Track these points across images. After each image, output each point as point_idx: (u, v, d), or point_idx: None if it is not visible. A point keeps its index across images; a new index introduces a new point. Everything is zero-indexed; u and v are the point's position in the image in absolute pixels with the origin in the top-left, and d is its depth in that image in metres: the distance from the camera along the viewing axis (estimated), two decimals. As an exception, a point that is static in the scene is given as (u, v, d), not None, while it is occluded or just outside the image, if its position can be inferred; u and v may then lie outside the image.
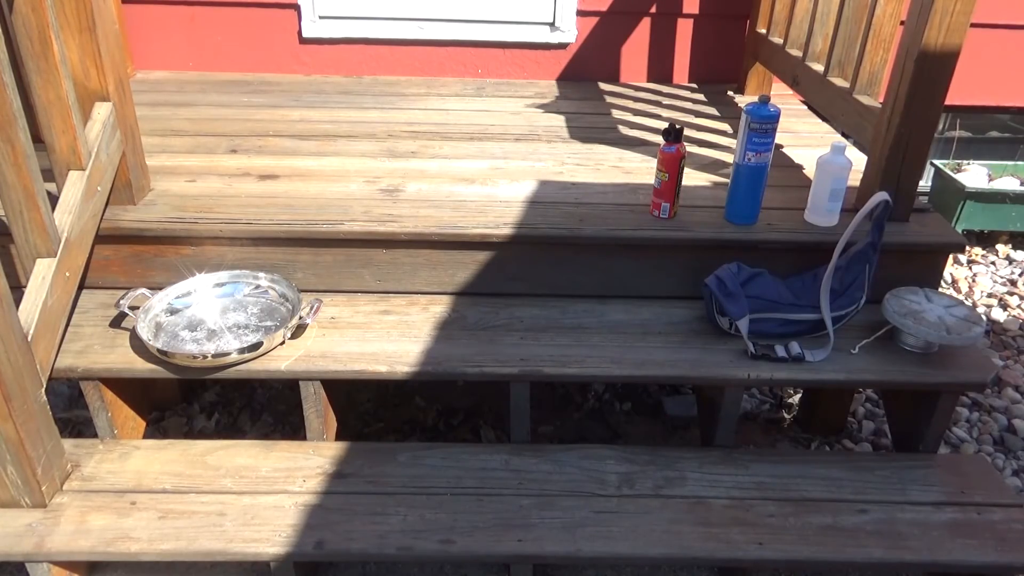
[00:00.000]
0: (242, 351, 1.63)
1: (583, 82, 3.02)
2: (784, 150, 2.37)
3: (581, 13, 2.93)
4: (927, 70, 1.72)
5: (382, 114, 2.61)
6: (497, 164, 2.22)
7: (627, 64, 3.03)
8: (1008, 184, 3.11)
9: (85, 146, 1.65)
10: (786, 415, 2.19)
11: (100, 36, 1.66)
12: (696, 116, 2.69)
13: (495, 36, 2.97)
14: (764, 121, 1.79)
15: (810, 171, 2.17)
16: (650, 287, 1.93)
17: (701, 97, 2.90)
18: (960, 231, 3.01)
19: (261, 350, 1.65)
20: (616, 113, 2.70)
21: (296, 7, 2.88)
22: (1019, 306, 2.75)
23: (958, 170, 3.17)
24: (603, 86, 2.99)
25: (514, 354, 1.71)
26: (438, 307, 1.87)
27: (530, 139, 2.43)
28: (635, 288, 1.93)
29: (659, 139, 1.90)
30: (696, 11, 2.94)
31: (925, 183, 3.23)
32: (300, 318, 1.72)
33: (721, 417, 1.73)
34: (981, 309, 2.73)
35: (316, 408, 1.69)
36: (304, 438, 1.73)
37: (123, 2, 2.78)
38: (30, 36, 1.51)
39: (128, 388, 1.75)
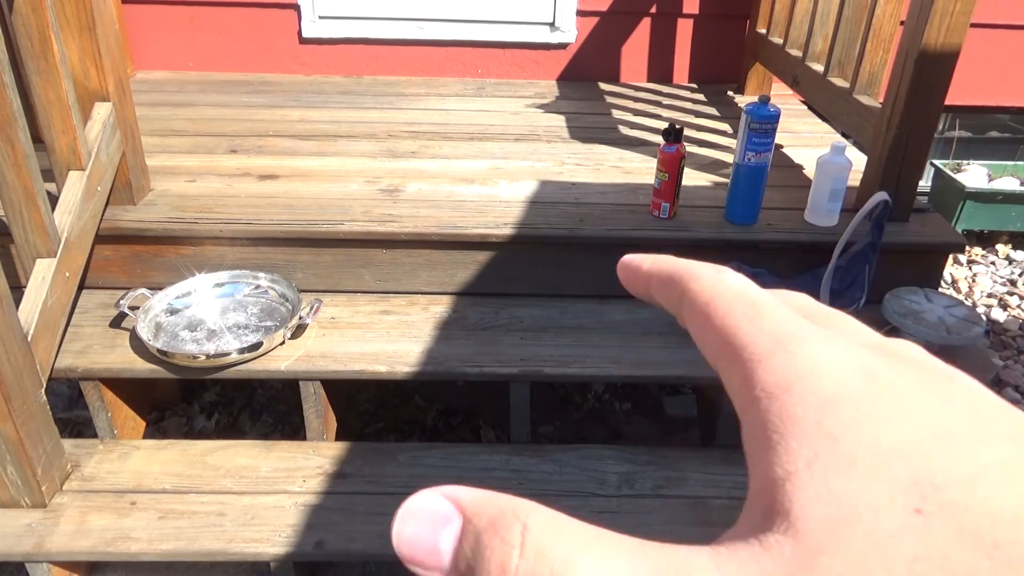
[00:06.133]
0: (242, 351, 1.63)
1: (583, 82, 3.02)
2: (784, 150, 2.37)
3: (581, 13, 2.93)
4: (927, 70, 1.72)
5: (382, 114, 2.61)
6: (497, 164, 2.22)
7: (627, 64, 3.03)
8: (1008, 184, 3.11)
9: (85, 146, 1.65)
10: (786, 415, 2.19)
11: (100, 36, 1.66)
12: (696, 116, 2.69)
13: (495, 36, 2.97)
14: (764, 121, 1.79)
15: (810, 171, 2.17)
16: (650, 287, 1.92)
17: (701, 97, 2.90)
18: (960, 231, 3.01)
19: (261, 350, 1.65)
20: (616, 113, 2.70)
21: (296, 7, 2.88)
22: (1019, 306, 2.75)
23: (958, 170, 3.17)
24: (603, 86, 2.99)
25: (514, 354, 1.71)
26: (438, 307, 1.87)
27: (530, 139, 2.43)
28: (635, 288, 1.92)
29: (659, 139, 1.90)
30: (696, 11, 2.93)
31: (925, 183, 3.23)
32: (300, 318, 1.72)
33: (721, 417, 1.73)
34: (981, 309, 2.73)
35: (316, 408, 1.69)
36: (304, 438, 1.73)
37: (123, 2, 2.78)
38: (30, 36, 1.51)
39: (128, 388, 1.75)
